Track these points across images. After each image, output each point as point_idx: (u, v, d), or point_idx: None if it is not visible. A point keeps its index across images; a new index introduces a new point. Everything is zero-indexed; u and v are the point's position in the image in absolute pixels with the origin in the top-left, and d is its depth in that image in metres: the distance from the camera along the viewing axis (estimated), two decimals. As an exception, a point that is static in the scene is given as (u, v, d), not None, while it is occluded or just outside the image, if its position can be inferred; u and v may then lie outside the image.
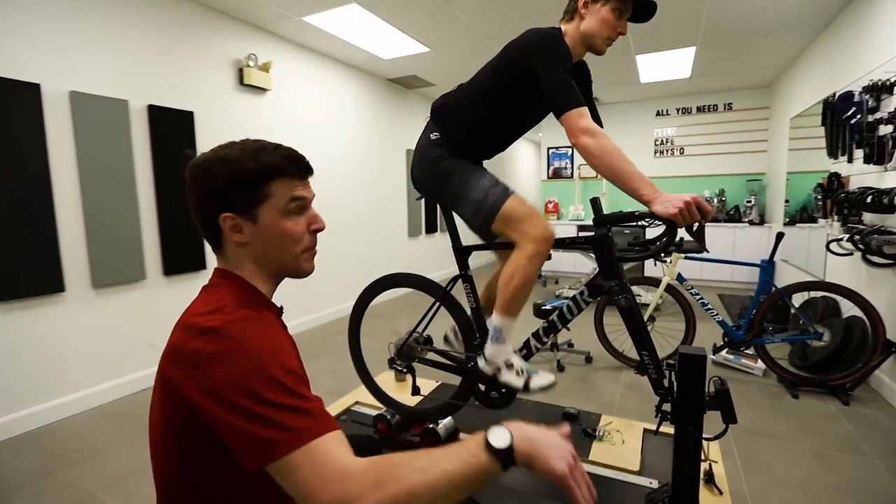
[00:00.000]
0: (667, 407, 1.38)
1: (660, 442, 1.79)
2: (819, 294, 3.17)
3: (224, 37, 3.34)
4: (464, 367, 1.67)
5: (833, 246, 2.96)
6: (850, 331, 2.72)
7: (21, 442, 2.26)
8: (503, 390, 1.59)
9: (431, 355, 1.80)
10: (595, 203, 1.42)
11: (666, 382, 1.38)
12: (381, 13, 3.36)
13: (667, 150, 6.36)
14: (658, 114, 6.34)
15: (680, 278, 2.97)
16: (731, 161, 5.99)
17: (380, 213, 5.31)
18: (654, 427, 1.90)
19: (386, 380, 2.27)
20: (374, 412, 2.01)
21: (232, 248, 0.78)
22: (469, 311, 1.66)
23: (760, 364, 2.89)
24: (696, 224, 1.15)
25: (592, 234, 1.40)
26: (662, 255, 2.97)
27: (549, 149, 7.25)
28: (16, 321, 2.35)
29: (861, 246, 2.57)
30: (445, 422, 1.77)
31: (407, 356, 1.80)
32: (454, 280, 1.70)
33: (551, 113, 1.46)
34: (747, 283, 5.50)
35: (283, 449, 0.60)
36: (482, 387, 1.62)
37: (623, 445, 1.76)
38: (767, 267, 2.82)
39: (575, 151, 6.95)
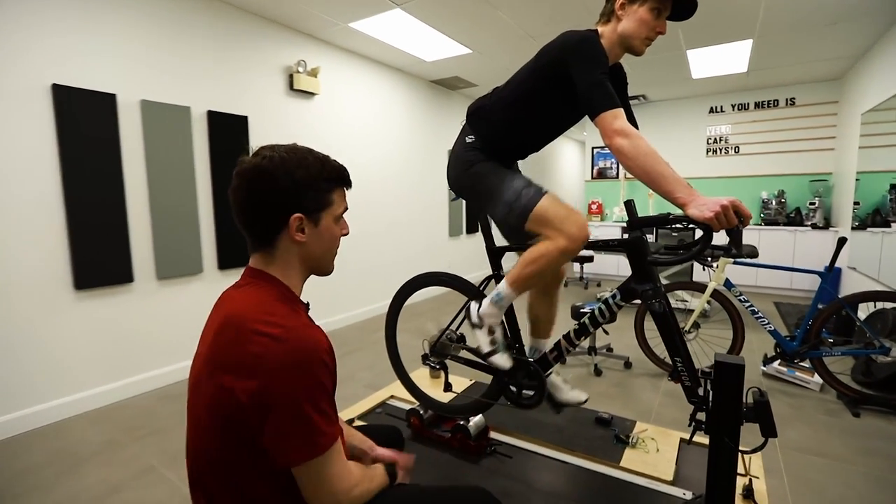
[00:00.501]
0: (701, 416, 1.35)
1: (697, 453, 1.74)
2: (891, 305, 2.93)
3: (275, 44, 3.54)
4: (495, 366, 1.70)
5: (905, 253, 2.72)
6: (923, 346, 2.49)
7: (95, 416, 2.53)
8: (534, 391, 1.60)
9: (463, 353, 1.84)
10: (629, 206, 1.40)
11: (701, 391, 1.34)
12: (423, 17, 3.43)
13: (720, 149, 6.03)
14: (711, 111, 6.02)
15: (728, 284, 2.83)
16: (793, 160, 5.59)
17: (422, 213, 5.41)
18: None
19: (421, 376, 2.34)
20: (407, 406, 2.08)
21: (286, 246, 0.84)
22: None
23: (817, 378, 2.71)
24: (734, 228, 1.11)
25: (626, 236, 1.39)
26: (709, 259, 2.85)
27: (593, 148, 7.08)
28: (95, 305, 2.62)
29: (937, 254, 2.34)
30: (476, 419, 1.81)
31: (440, 353, 1.85)
32: (487, 280, 1.73)
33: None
34: (808, 291, 5.13)
35: (320, 449, 0.74)
36: (514, 387, 1.64)
37: (657, 454, 1.73)
38: (827, 274, 2.63)
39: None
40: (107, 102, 2.59)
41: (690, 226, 1.19)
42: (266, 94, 3.50)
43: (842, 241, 2.61)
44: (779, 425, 2.11)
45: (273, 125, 3.56)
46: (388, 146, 4.80)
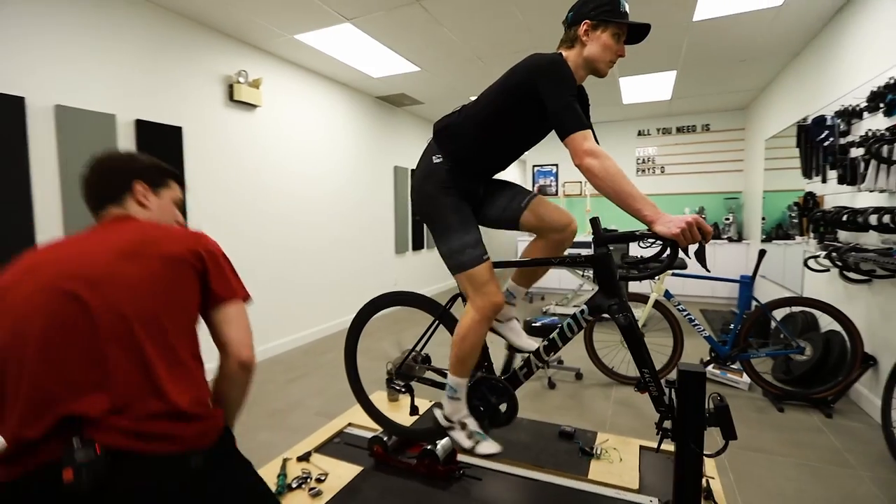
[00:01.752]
0: (667, 424, 1.40)
1: (656, 459, 1.81)
2: (798, 309, 3.28)
3: (215, 53, 3.33)
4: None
5: (811, 262, 3.08)
6: (829, 345, 2.81)
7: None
8: (506, 408, 1.59)
9: (430, 374, 1.79)
10: (595, 223, 1.45)
11: (666, 399, 1.39)
12: (373, 33, 3.41)
13: (648, 169, 6.55)
14: (640, 133, 6.53)
15: (667, 294, 3.03)
16: (710, 180, 6.20)
17: (367, 230, 5.29)
18: (649, 444, 1.92)
19: (378, 399, 2.24)
20: (368, 434, 1.97)
21: (134, 205, 1.04)
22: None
23: (746, 378, 2.96)
24: (697, 244, 1.18)
25: (591, 252, 1.43)
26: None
27: (534, 166, 7.38)
28: None
29: (839, 263, 2.67)
30: (443, 442, 1.76)
31: (405, 375, 1.78)
32: (454, 299, 1.70)
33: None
34: (728, 299, 5.64)
35: (241, 294, 1.02)
36: (482, 407, 1.61)
37: (621, 464, 1.77)
38: (751, 283, 2.90)
39: (560, 169, 7.10)
40: (13, 106, 2.28)
41: (657, 241, 1.25)
42: (203, 104, 3.27)
43: (762, 254, 2.89)
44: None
45: (211, 137, 3.33)
46: (332, 161, 4.67)
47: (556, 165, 7.16)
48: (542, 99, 1.31)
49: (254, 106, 3.64)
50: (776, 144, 4.64)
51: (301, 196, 4.22)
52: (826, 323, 3.02)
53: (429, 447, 1.72)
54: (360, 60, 4.03)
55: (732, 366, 3.07)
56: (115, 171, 1.04)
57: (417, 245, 6.35)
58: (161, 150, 2.96)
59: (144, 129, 2.86)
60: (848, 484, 1.98)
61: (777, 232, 4.66)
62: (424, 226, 6.41)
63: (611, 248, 1.42)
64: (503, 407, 1.59)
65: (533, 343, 1.62)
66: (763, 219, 5.07)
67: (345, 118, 4.85)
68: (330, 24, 3.23)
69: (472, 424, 1.55)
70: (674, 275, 3.12)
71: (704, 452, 1.33)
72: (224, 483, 0.90)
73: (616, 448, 1.87)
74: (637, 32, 1.39)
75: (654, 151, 6.49)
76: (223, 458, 0.92)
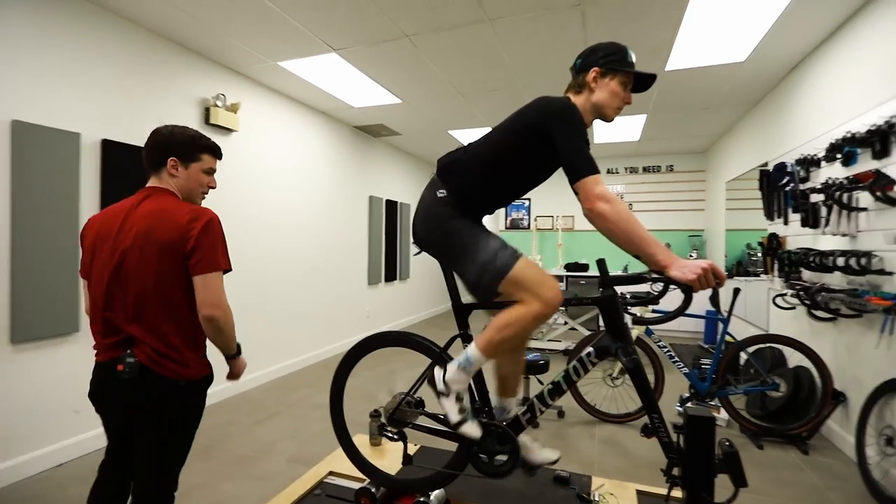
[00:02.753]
0: (675, 471, 1.36)
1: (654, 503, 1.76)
2: (766, 345, 3.40)
3: (192, 75, 3.22)
4: (463, 432, 1.57)
5: (779, 300, 3.22)
6: (799, 381, 2.90)
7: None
8: (508, 457, 1.50)
9: (423, 420, 1.68)
10: (601, 264, 1.44)
11: (674, 446, 1.36)
12: (359, 64, 3.41)
13: (616, 205, 6.79)
14: (609, 171, 6.81)
15: (648, 332, 3.07)
16: (675, 217, 6.50)
17: (340, 260, 5.15)
18: (645, 489, 1.88)
19: (358, 444, 2.09)
20: (353, 484, 1.83)
21: (167, 176, 1.38)
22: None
23: (724, 415, 2.99)
24: (712, 290, 1.18)
25: (598, 295, 1.41)
26: (629, 308, 3.09)
27: (507, 199, 7.51)
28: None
29: (807, 301, 2.80)
30: (437, 494, 1.65)
31: (399, 421, 1.67)
32: (452, 339, 1.62)
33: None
34: (694, 333, 5.82)
35: (214, 266, 1.29)
36: (483, 455, 1.52)
37: (621, 511, 1.71)
38: (727, 320, 2.99)
39: (532, 203, 7.25)
40: (-35, 121, 2.08)
41: (670, 286, 1.24)
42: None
43: (736, 291, 3.00)
44: None
45: (183, 160, 3.16)
46: (308, 189, 4.56)
47: (529, 199, 7.31)
48: (552, 141, 1.31)
49: (230, 130, 3.52)
50: (736, 186, 4.94)
51: (274, 223, 4.06)
52: (792, 359, 3.14)
53: (422, 499, 1.60)
54: (341, 90, 4.01)
55: (711, 402, 3.10)
56: (156, 147, 1.37)
57: (390, 276, 6.23)
58: (129, 172, 2.78)
59: (112, 150, 2.68)
60: (834, 524, 1.99)
61: (737, 269, 4.90)
62: (397, 256, 6.35)
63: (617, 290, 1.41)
64: (506, 455, 1.50)
65: (553, 454, 1.55)
66: (726, 256, 5.32)
67: (321, 146, 4.78)
68: (316, 54, 3.21)
69: (467, 402, 1.46)
70: (654, 311, 3.18)
71: (715, 501, 1.29)
72: (193, 406, 1.38)
73: (613, 493, 1.81)
74: (642, 82, 1.44)
75: (623, 189, 6.77)
76: (199, 389, 1.38)
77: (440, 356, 1.61)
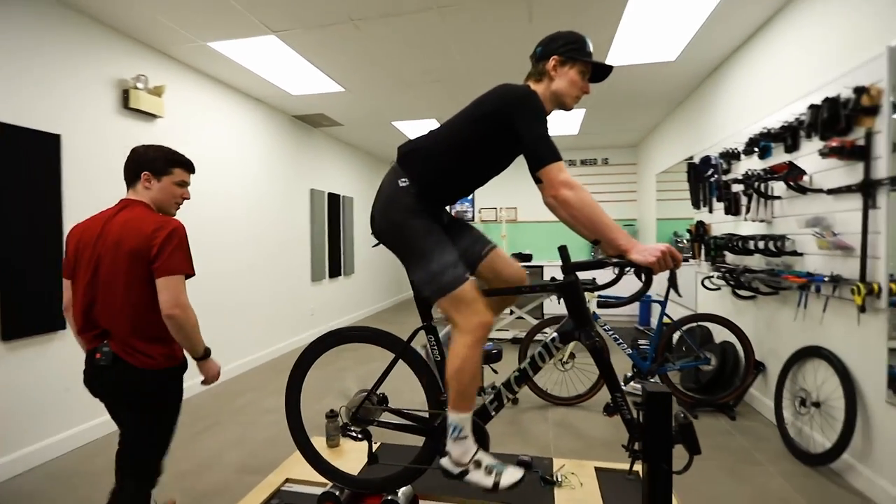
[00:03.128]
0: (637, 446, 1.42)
1: (614, 480, 1.84)
2: (695, 324, 3.70)
3: (107, 53, 2.87)
4: (429, 426, 1.55)
5: (706, 282, 3.51)
6: (725, 354, 3.19)
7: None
8: (479, 446, 1.50)
9: (388, 416, 1.63)
10: (563, 251, 1.46)
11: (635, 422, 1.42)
12: (300, 48, 3.23)
13: (557, 197, 7.07)
14: (548, 164, 7.05)
15: (595, 316, 3.21)
16: (610, 208, 6.85)
17: (281, 256, 4.89)
18: (603, 465, 1.96)
19: (318, 446, 2.00)
20: (314, 490, 1.74)
21: (141, 189, 1.55)
22: (433, 366, 1.57)
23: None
24: (671, 270, 1.25)
25: (560, 281, 1.44)
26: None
27: (452, 192, 7.54)
28: None
29: (732, 282, 3.07)
30: (405, 490, 1.61)
31: (363, 420, 1.60)
32: (416, 332, 1.59)
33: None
34: (629, 316, 6.21)
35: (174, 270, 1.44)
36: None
37: (583, 488, 1.77)
38: (666, 302, 3.20)
39: (476, 195, 7.33)
40: None
41: (627, 269, 1.29)
42: (90, 110, 2.78)
43: (673, 275, 3.22)
44: None
45: (99, 147, 2.83)
46: (243, 181, 4.27)
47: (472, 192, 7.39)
48: (514, 129, 1.30)
49: (154, 116, 3.19)
50: (665, 178, 5.31)
51: (206, 216, 3.76)
52: (719, 335, 3.44)
53: (389, 497, 1.56)
54: (279, 76, 3.78)
55: (652, 379, 3.32)
56: (131, 163, 1.55)
57: (335, 272, 6.03)
58: (32, 159, 2.43)
59: (9, 135, 2.33)
60: (761, 479, 2.21)
61: (667, 255, 5.28)
62: (341, 251, 6.15)
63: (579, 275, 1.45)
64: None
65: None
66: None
67: (257, 136, 4.49)
68: (252, 35, 2.99)
69: (487, 459, 1.40)
70: (600, 297, 3.34)
71: (673, 470, 1.37)
72: (159, 392, 1.52)
73: (574, 473, 1.88)
74: (600, 72, 1.47)
75: (562, 181, 7.04)
76: (165, 378, 1.52)
77: (404, 349, 1.57)
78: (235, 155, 4.14)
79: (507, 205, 7.16)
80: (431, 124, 5.44)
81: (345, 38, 3.08)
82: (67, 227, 2.62)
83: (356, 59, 3.43)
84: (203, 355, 1.60)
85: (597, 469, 1.92)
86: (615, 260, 1.33)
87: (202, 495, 2.16)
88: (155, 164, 1.55)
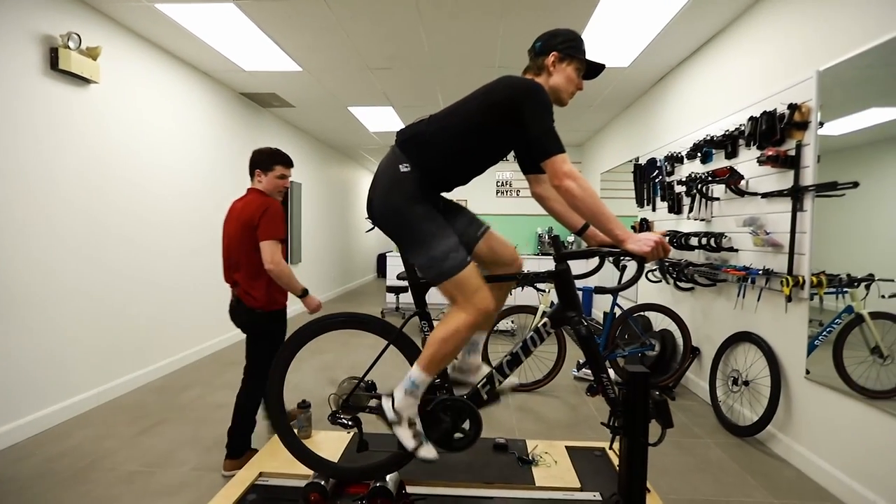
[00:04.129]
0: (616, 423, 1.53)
1: (584, 457, 1.96)
2: (637, 314, 4.01)
3: (30, 3, 2.51)
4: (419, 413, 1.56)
5: (649, 275, 3.81)
6: (664, 341, 3.50)
7: None
8: (471, 429, 1.53)
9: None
10: (556, 240, 1.53)
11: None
12: (260, 21, 3.03)
13: (506, 192, 7.27)
14: (499, 159, 7.22)
15: (552, 304, 3.38)
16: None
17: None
18: (572, 444, 2.08)
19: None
20: (293, 482, 1.68)
21: (256, 181, 2.27)
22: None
23: (612, 374, 3.45)
24: (661, 260, 1.35)
25: (553, 269, 1.51)
26: (538, 286, 3.36)
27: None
28: None
29: (674, 275, 3.37)
30: (392, 477, 1.61)
31: (353, 408, 1.58)
32: (409, 318, 1.59)
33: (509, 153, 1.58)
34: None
35: (268, 236, 2.11)
36: (448, 429, 1.53)
37: (557, 466, 1.87)
38: (617, 292, 3.44)
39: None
40: None
41: (622, 257, 1.38)
42: (10, 68, 2.42)
43: (623, 267, 3.46)
44: (602, 417, 2.54)
45: (21, 114, 2.48)
46: (185, 159, 3.93)
47: (426, 183, 7.40)
48: (521, 120, 1.34)
49: (88, 81, 2.84)
50: (609, 178, 5.65)
51: (149, 192, 3.44)
52: (658, 323, 3.76)
53: (378, 484, 1.55)
54: (233, 48, 3.52)
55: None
56: (250, 162, 2.27)
57: (295, 259, 5.77)
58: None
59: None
60: (703, 450, 2.47)
61: (608, 250, 5.65)
62: (289, 239, 5.88)
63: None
64: (469, 427, 1.53)
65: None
66: (597, 238, 6.08)
67: (202, 111, 4.15)
68: (208, 0, 2.75)
69: (419, 426, 1.47)
70: (537, 289, 3.50)
71: (649, 442, 1.50)
72: (265, 326, 2.21)
73: (547, 452, 1.98)
74: (592, 70, 1.55)
75: (511, 176, 7.25)
76: (268, 317, 2.21)
77: (398, 336, 1.57)
78: (177, 130, 3.80)
79: (457, 197, 7.23)
80: (388, 112, 5.35)
81: (312, 14, 2.93)
82: (-17, 201, 2.28)
83: (320, 37, 3.28)
84: (301, 294, 2.25)
85: (567, 448, 2.03)
86: (606, 249, 1.42)
87: (159, 495, 2.00)
88: (263, 163, 2.22)
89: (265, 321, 2.18)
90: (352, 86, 4.42)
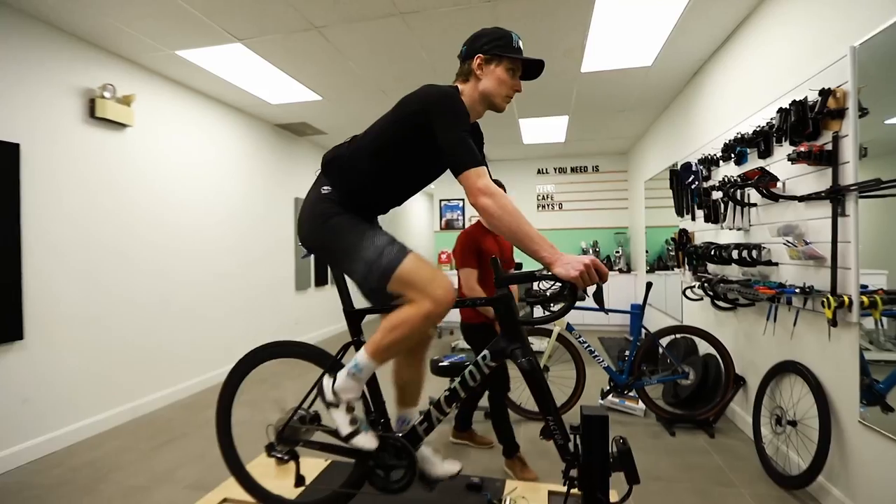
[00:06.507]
0: (573, 473, 1.33)
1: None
2: (680, 336, 3.58)
3: (71, 61, 2.86)
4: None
5: (688, 292, 3.39)
6: (707, 368, 3.06)
7: None
8: (405, 471, 1.41)
9: (319, 436, 1.55)
10: (495, 262, 1.38)
11: (571, 447, 1.33)
12: (269, 57, 3.20)
13: (548, 205, 6.98)
14: (539, 172, 6.98)
15: (569, 327, 3.12)
16: (601, 216, 6.77)
17: (264, 265, 4.85)
18: (557, 489, 1.85)
19: (264, 465, 1.92)
20: (248, 512, 1.66)
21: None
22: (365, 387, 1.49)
23: (641, 405, 3.10)
24: (595, 286, 1.16)
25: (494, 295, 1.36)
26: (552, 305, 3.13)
27: (441, 200, 7.48)
28: None
29: (710, 293, 2.96)
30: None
31: (290, 440, 1.53)
32: (345, 348, 1.51)
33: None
34: (622, 326, 6.08)
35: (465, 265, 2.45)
36: (380, 470, 1.42)
37: (529, 514, 1.67)
38: (640, 313, 3.10)
39: (466, 203, 7.26)
40: None
41: (557, 282, 1.21)
42: (53, 119, 2.76)
43: (649, 286, 3.12)
44: None
45: (64, 157, 2.81)
46: (221, 190, 4.23)
47: (463, 200, 7.33)
48: (434, 131, 1.23)
49: (123, 125, 3.17)
50: (653, 185, 5.21)
51: (188, 226, 3.74)
52: (703, 346, 3.32)
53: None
54: (255, 85, 3.76)
55: (629, 394, 3.21)
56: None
57: (321, 280, 5.98)
58: (-12, 171, 2.41)
59: (-38, 146, 2.31)
60: (731, 502, 2.09)
61: (658, 263, 5.17)
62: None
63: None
64: (402, 470, 1.41)
65: (454, 466, 1.48)
66: (647, 251, 5.60)
67: (238, 145, 4.47)
68: (218, 43, 2.96)
69: (360, 413, 1.38)
70: (574, 308, 3.24)
71: (610, 501, 1.28)
72: (472, 338, 2.57)
73: (525, 497, 1.78)
74: (532, 69, 1.40)
75: (553, 189, 6.96)
76: (473, 329, 2.53)
77: (333, 365, 1.50)
78: (215, 165, 4.12)
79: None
80: (417, 132, 5.40)
81: (313, 46, 3.04)
82: (26, 237, 2.60)
83: (328, 67, 3.39)
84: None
85: (550, 493, 1.81)
86: (539, 273, 1.25)
87: (145, 514, 2.08)
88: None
89: (471, 332, 2.56)
90: (371, 109, 4.50)
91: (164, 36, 2.88)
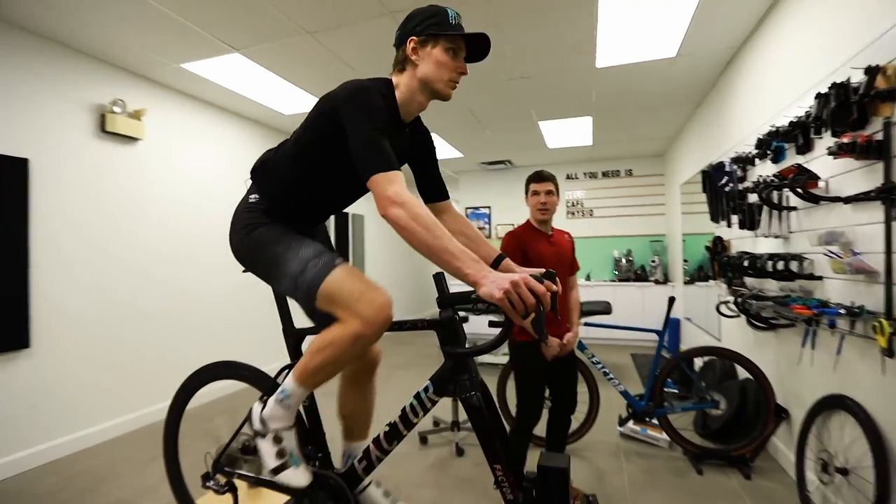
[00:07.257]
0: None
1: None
2: (712, 357, 3.17)
3: (81, 78, 2.96)
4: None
5: (723, 308, 3.00)
6: (745, 395, 2.67)
7: None
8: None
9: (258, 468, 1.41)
10: (439, 280, 1.19)
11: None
12: (268, 65, 3.18)
13: (578, 212, 6.61)
14: (568, 177, 6.63)
15: (581, 346, 2.82)
16: (636, 223, 6.32)
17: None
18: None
19: (221, 500, 1.80)
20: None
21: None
22: (301, 410, 1.33)
23: (664, 436, 2.75)
24: (536, 314, 0.94)
25: (437, 318, 1.17)
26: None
27: (467, 208, 7.29)
28: None
29: (744, 309, 2.59)
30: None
31: (228, 470, 1.40)
32: (284, 370, 1.37)
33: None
34: (654, 343, 5.59)
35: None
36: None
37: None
38: (663, 333, 2.76)
39: (493, 211, 7.03)
40: None
41: (490, 305, 0.99)
42: (62, 134, 2.85)
43: (671, 300, 2.78)
44: (634, 493, 1.98)
45: (74, 171, 2.90)
46: (235, 200, 4.27)
47: (490, 207, 7.10)
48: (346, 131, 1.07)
49: (134, 139, 3.25)
50: (690, 189, 4.76)
51: (203, 237, 3.79)
52: (744, 370, 2.91)
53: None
54: (266, 96, 3.78)
55: (653, 421, 2.86)
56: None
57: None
58: (7, 185, 2.51)
59: (-27, 162, 2.41)
60: (763, 567, 1.74)
61: (699, 274, 4.69)
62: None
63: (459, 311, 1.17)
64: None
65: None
66: (686, 261, 5.13)
67: (254, 157, 4.51)
68: (218, 54, 2.97)
69: (290, 444, 1.19)
70: (586, 324, 2.95)
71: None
72: (516, 357, 2.19)
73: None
74: (478, 49, 1.21)
75: (583, 195, 6.59)
76: (518, 348, 2.14)
77: (271, 388, 1.35)
78: (226, 175, 4.17)
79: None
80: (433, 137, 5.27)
81: (309, 52, 2.98)
82: (34, 249, 2.68)
83: (325, 71, 3.33)
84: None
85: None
86: (476, 294, 1.04)
87: (114, 535, 2.02)
88: (526, 189, 2.18)
89: (515, 350, 2.19)
90: (386, 117, 4.43)
91: (167, 50, 2.92)
